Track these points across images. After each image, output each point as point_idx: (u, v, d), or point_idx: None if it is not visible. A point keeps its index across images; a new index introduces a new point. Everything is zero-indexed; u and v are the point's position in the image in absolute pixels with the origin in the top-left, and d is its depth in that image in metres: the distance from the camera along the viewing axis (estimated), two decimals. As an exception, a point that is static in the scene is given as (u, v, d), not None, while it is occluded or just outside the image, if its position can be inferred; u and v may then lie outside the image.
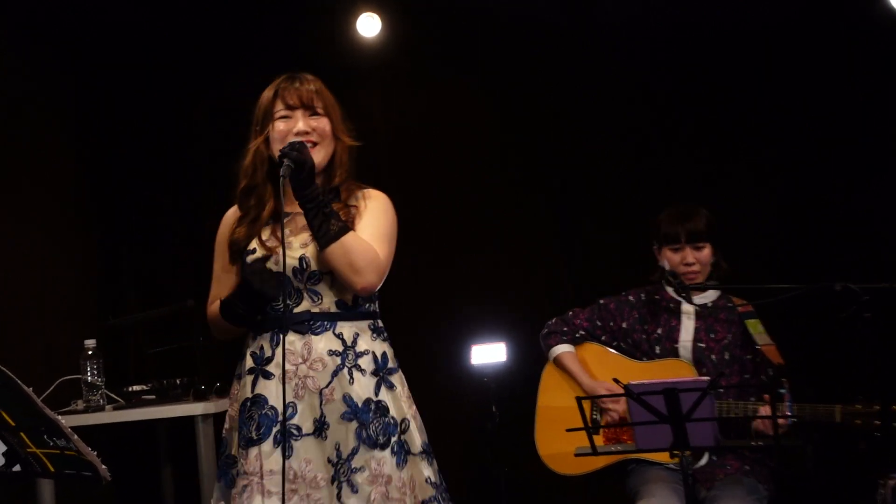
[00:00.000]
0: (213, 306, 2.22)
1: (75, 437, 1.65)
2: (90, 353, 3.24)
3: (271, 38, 4.02)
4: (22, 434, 1.62)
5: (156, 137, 4.04)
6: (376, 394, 2.15)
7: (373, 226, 2.15)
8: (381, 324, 2.24)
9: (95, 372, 3.22)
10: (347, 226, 2.10)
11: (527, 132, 3.98)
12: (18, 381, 1.64)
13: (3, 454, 1.61)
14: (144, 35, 3.93)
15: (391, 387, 2.18)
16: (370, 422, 2.12)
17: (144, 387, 3.41)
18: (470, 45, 4.00)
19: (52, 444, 1.63)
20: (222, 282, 2.24)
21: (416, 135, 4.06)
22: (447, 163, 4.05)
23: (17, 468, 1.60)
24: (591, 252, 3.93)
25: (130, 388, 3.39)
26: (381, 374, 2.17)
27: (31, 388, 1.65)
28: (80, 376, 3.21)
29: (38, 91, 3.63)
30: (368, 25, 4.08)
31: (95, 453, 1.66)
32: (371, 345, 2.18)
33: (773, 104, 3.69)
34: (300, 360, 2.13)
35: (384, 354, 2.20)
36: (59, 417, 1.65)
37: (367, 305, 2.20)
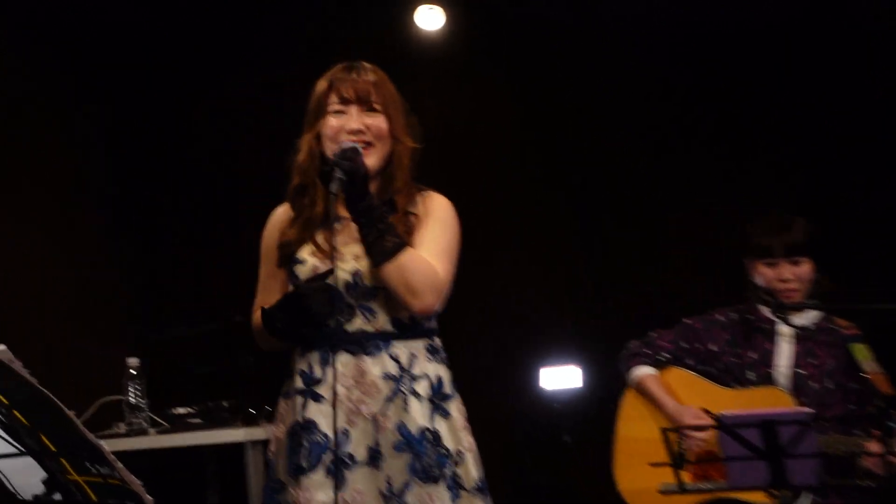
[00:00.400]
0: (257, 315, 2.23)
1: (119, 464, 1.67)
2: (133, 372, 3.26)
3: (324, 27, 4.10)
4: (63, 460, 1.63)
5: (194, 137, 4.15)
6: (430, 422, 2.15)
7: (433, 239, 2.15)
8: (438, 343, 2.24)
9: (139, 393, 3.25)
10: (404, 241, 2.10)
11: (585, 136, 4.05)
12: (59, 403, 1.67)
13: (44, 481, 1.61)
14: (175, 31, 4.07)
15: (446, 415, 2.18)
16: (424, 453, 2.13)
17: (190, 409, 3.45)
18: (525, 45, 4.10)
19: (94, 471, 1.65)
20: (269, 288, 2.25)
21: (468, 135, 4.11)
22: (508, 168, 4.12)
23: (57, 496, 1.60)
24: (676, 265, 3.95)
25: (175, 411, 3.43)
26: (436, 400, 2.18)
27: (73, 412, 1.69)
28: (121, 397, 3.25)
29: (68, 96, 3.80)
30: (429, 18, 4.21)
31: (140, 483, 1.69)
32: (427, 367, 2.18)
33: (794, 100, 3.76)
34: (352, 383, 2.14)
35: (440, 379, 2.20)
36: (102, 443, 1.69)
37: (425, 323, 2.21)
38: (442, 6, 4.17)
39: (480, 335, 3.98)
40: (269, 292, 2.23)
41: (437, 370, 2.19)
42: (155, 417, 3.38)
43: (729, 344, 3.01)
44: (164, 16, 3.95)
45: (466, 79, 4.22)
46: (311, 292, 2.08)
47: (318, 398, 2.15)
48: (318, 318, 2.08)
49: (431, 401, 2.16)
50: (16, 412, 1.62)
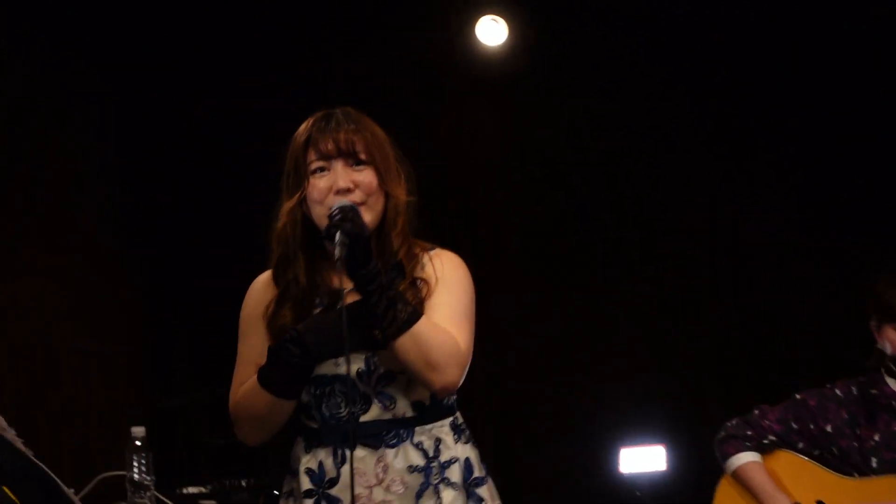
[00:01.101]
0: (245, 387, 2.19)
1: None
2: (138, 443, 3.06)
3: (381, 40, 4.27)
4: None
5: (209, 183, 4.30)
6: None
7: (448, 304, 2.17)
8: (461, 420, 2.27)
9: (143, 468, 3.19)
10: (418, 310, 2.11)
11: (677, 164, 4.24)
12: (56, 478, 1.71)
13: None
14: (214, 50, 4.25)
15: (479, 501, 2.21)
16: None
17: (202, 489, 3.48)
18: (594, 62, 4.26)
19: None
20: (253, 362, 2.20)
21: (535, 161, 4.26)
22: (576, 197, 4.27)
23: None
24: (782, 328, 3.98)
25: (185, 490, 3.46)
26: (467, 486, 2.20)
27: (71, 490, 1.74)
28: (124, 473, 3.19)
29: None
30: (491, 32, 4.32)
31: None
32: (456, 450, 2.21)
33: (799, 101, 4.08)
34: (374, 482, 2.16)
35: (468, 461, 2.22)
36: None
37: (446, 400, 2.23)
38: (506, 18, 4.30)
39: (553, 411, 4.06)
40: (254, 367, 2.19)
41: (465, 451, 2.22)
42: (162, 498, 3.31)
43: (848, 424, 3.00)
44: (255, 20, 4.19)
45: (530, 98, 4.37)
46: (324, 326, 2.09)
47: (334, 501, 2.17)
48: (321, 349, 2.09)
49: (466, 488, 2.20)
50: (6, 488, 1.63)
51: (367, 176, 2.15)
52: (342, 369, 2.09)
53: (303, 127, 2.19)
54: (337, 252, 1.96)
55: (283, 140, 2.16)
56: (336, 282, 2.08)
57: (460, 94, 4.30)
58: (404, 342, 2.08)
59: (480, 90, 4.36)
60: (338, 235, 1.98)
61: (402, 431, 2.16)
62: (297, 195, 2.16)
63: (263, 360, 2.14)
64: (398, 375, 2.14)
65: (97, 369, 3.80)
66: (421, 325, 2.08)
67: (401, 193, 2.18)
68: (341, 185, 2.12)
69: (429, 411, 2.19)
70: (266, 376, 2.12)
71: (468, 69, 4.34)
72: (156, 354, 4.14)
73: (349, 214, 2.03)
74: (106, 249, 4.00)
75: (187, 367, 4.20)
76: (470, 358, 2.15)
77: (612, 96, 4.32)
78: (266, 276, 2.24)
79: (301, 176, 2.16)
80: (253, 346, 2.20)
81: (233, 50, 4.29)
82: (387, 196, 2.17)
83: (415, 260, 2.17)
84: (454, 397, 2.24)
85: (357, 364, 2.14)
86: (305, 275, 2.16)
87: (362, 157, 2.15)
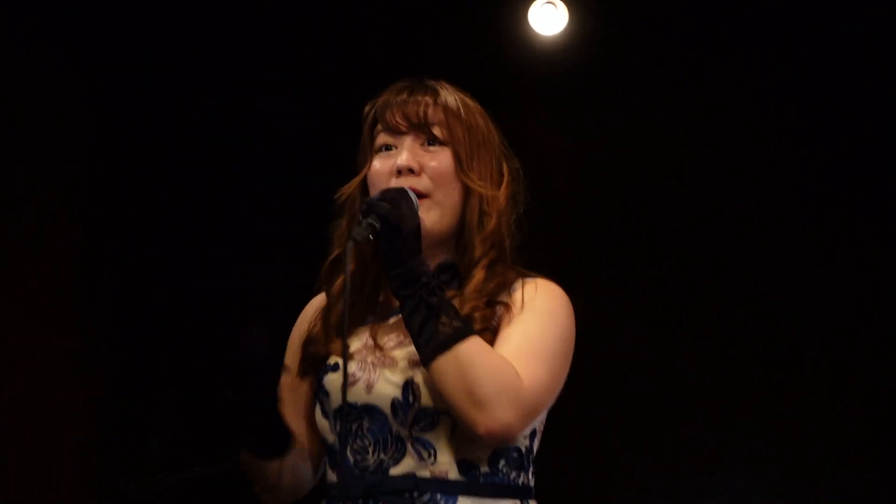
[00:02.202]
0: None
1: None
2: None
3: (404, 34, 4.13)
4: None
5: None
6: None
7: (524, 334, 1.91)
8: None
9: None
10: (469, 326, 1.85)
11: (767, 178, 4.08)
12: None
13: None
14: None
15: None
16: None
17: None
18: (689, 51, 4.09)
19: None
20: (289, 403, 2.01)
21: (603, 177, 4.11)
22: (653, 220, 4.10)
23: None
24: None
25: None
26: None
27: None
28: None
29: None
30: (548, 18, 4.07)
31: None
32: None
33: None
34: None
35: None
36: None
37: (514, 474, 1.95)
38: (565, 1, 4.08)
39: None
40: (288, 409, 2.00)
41: None
42: None
43: None
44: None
45: (595, 99, 4.15)
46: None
47: None
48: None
49: None
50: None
51: (439, 159, 1.95)
52: (376, 396, 1.89)
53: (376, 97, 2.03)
54: (353, 231, 1.78)
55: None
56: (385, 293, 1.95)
57: (510, 96, 4.04)
58: (444, 365, 1.83)
59: (535, 90, 4.10)
60: (366, 218, 1.78)
61: (440, 496, 1.90)
62: (357, 179, 1.99)
63: (298, 399, 2.01)
64: (442, 417, 1.89)
65: (53, 449, 3.66)
66: (468, 346, 1.83)
67: (492, 190, 1.96)
68: (401, 164, 1.92)
69: (484, 481, 1.91)
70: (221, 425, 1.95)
71: (520, 65, 4.09)
72: (117, 420, 3.94)
73: (389, 195, 1.84)
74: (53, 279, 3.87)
75: (160, 437, 3.97)
76: (538, 403, 1.88)
77: (697, 95, 4.11)
78: (320, 297, 2.06)
79: (365, 155, 2.00)
80: (289, 383, 2.00)
81: (245, 48, 4.17)
82: (467, 191, 1.95)
83: (501, 279, 1.94)
84: (528, 473, 1.96)
85: (392, 390, 1.90)
86: (364, 281, 1.98)
87: (437, 133, 1.95)
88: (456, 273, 1.93)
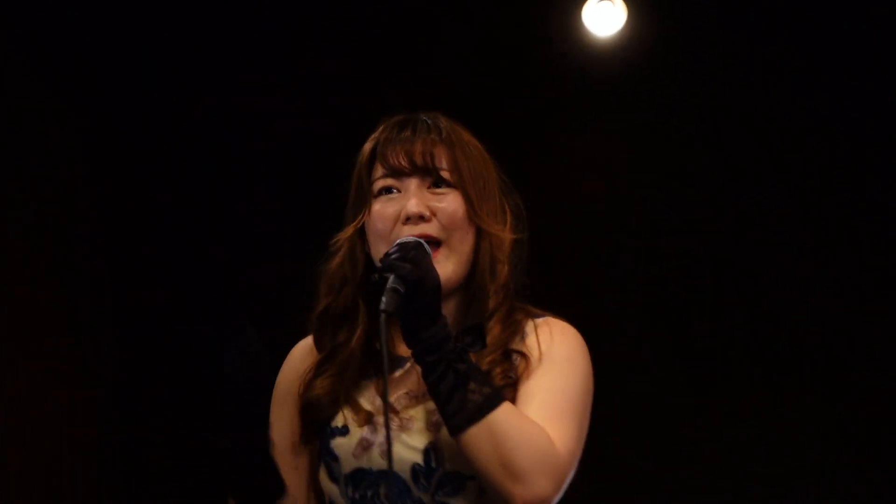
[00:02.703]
0: None
1: None
2: None
3: (444, 35, 4.08)
4: None
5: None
6: None
7: (549, 389, 1.89)
8: None
9: None
10: (498, 393, 1.82)
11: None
12: None
13: None
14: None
15: None
16: None
17: None
18: (758, 52, 3.99)
19: None
20: (286, 469, 1.96)
21: (665, 193, 4.04)
22: (721, 243, 4.03)
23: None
24: None
25: None
26: None
27: None
28: None
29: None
30: (604, 16, 3.98)
31: None
32: None
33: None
34: None
35: None
36: None
37: None
38: None
39: None
40: (285, 474, 1.96)
41: None
42: None
43: None
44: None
45: (653, 104, 4.06)
46: None
47: None
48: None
49: None
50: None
51: (450, 202, 1.92)
52: (394, 461, 1.85)
53: (373, 134, 2.00)
54: (383, 304, 1.72)
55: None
56: (403, 349, 1.89)
57: (562, 102, 4.05)
58: (476, 436, 1.81)
59: (589, 95, 4.02)
60: (388, 280, 1.74)
61: None
62: (355, 224, 1.95)
63: (293, 452, 1.98)
64: (468, 482, 1.88)
65: (37, 440, 3.65)
66: (501, 415, 1.81)
67: (501, 230, 1.95)
68: (412, 211, 1.89)
69: None
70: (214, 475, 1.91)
71: (573, 68, 4.01)
72: (117, 420, 3.99)
73: (410, 253, 1.79)
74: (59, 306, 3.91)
75: (162, 477, 3.99)
76: (571, 467, 1.88)
77: (765, 101, 4.02)
78: (308, 341, 2.03)
79: (363, 199, 1.95)
80: (281, 435, 1.97)
81: (247, 47, 4.15)
82: (479, 235, 1.94)
83: (512, 328, 1.92)
84: None
85: (411, 455, 1.88)
86: (360, 336, 1.94)
87: (446, 175, 1.92)
88: (480, 335, 1.87)
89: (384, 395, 1.81)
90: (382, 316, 1.71)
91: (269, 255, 4.02)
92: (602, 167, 4.09)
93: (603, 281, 4.12)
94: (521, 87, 4.18)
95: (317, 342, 1.97)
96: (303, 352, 2.02)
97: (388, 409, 1.83)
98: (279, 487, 1.90)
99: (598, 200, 4.13)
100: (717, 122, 4.04)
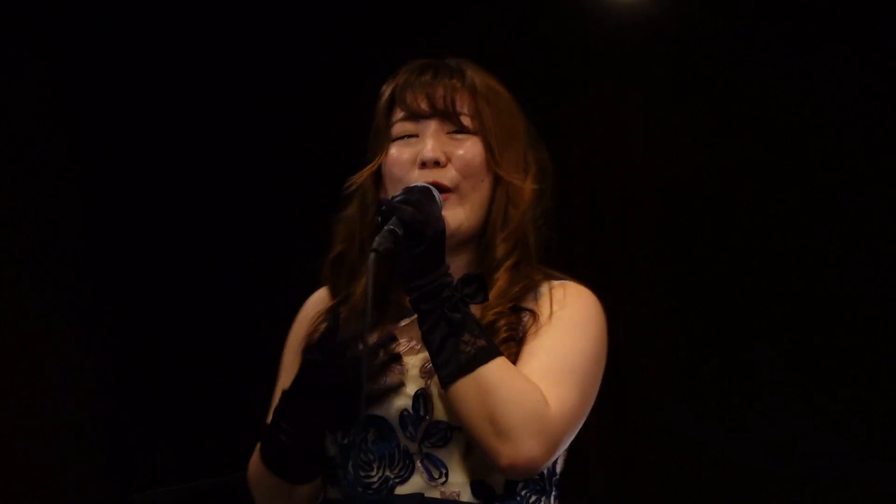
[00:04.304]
0: (254, 456, 2.02)
1: None
2: None
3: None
4: None
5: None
6: None
7: (552, 349, 1.89)
8: None
9: None
10: (493, 347, 1.83)
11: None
12: None
13: None
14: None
15: None
16: None
17: None
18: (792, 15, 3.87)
19: None
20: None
21: (691, 164, 3.93)
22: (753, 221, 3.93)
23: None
24: None
25: None
26: None
27: None
28: None
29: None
30: None
31: None
32: None
33: None
34: None
35: None
36: None
37: (534, 499, 1.91)
38: None
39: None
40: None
41: None
42: None
43: None
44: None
45: (683, 72, 3.94)
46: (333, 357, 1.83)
47: None
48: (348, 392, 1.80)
49: None
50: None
51: (468, 149, 1.93)
52: (384, 406, 1.87)
53: (392, 77, 2.01)
54: (375, 242, 1.74)
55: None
56: (400, 297, 1.93)
57: (583, 69, 4.01)
58: (464, 389, 1.82)
59: (611, 61, 3.91)
60: (387, 224, 1.75)
61: None
62: (370, 167, 1.97)
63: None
64: (455, 433, 1.88)
65: (48, 456, 3.69)
66: (493, 369, 1.82)
67: (522, 181, 1.94)
68: (427, 156, 1.91)
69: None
70: (265, 452, 1.92)
71: (591, 32, 3.92)
72: (122, 429, 3.95)
73: (414, 196, 1.81)
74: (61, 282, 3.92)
75: (168, 452, 3.97)
76: (566, 430, 1.86)
77: (796, 72, 3.89)
78: (322, 291, 2.06)
79: (380, 142, 1.97)
80: (290, 380, 1.98)
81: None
82: (496, 184, 1.94)
83: (526, 283, 1.92)
84: (554, 499, 1.93)
85: (402, 401, 1.89)
86: (372, 283, 1.87)
87: (466, 122, 1.93)
88: (482, 286, 1.85)
89: (364, 336, 1.78)
90: (371, 255, 1.71)
91: (266, 248, 4.01)
92: (618, 133, 4.01)
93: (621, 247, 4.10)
94: (536, 52, 4.11)
95: (331, 289, 1.99)
96: (317, 301, 2.03)
97: (375, 352, 1.84)
98: (321, 467, 1.92)
99: (610, 174, 4.11)
100: (742, 92, 3.96)
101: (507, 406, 1.80)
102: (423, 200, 1.81)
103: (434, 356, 1.82)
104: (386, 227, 1.75)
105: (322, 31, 4.12)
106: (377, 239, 1.75)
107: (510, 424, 1.80)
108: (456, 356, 1.81)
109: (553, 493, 1.94)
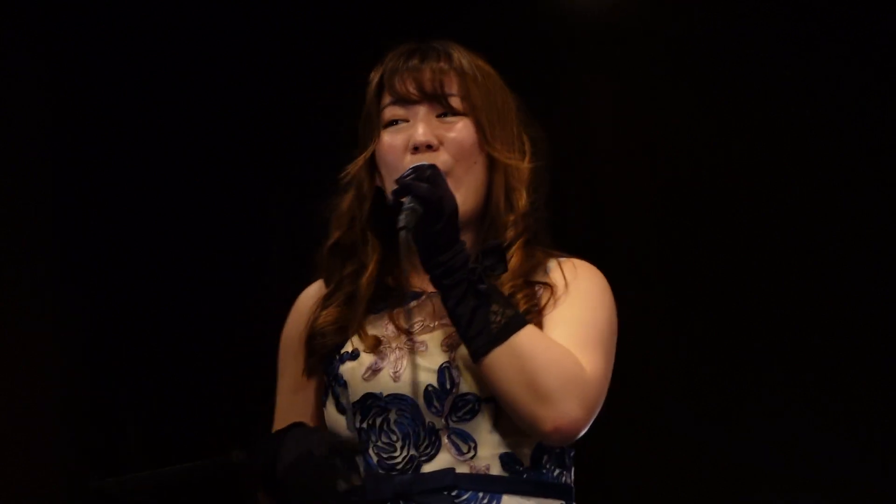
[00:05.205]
0: None
1: None
2: None
3: None
4: None
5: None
6: None
7: (577, 319, 1.90)
8: None
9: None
10: (522, 315, 1.82)
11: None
12: None
13: None
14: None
15: None
16: None
17: None
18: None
19: None
20: (294, 408, 2.01)
21: (668, 153, 3.90)
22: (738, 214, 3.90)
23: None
24: None
25: None
26: None
27: None
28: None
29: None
30: None
31: None
32: None
33: None
34: None
35: None
36: None
37: (557, 472, 1.92)
38: None
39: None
40: (292, 415, 1.99)
41: None
42: None
43: None
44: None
45: (679, 75, 3.89)
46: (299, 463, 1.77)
47: None
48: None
49: None
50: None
51: (459, 130, 1.92)
52: (405, 384, 1.86)
53: (380, 63, 1.99)
54: (402, 221, 1.71)
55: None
56: (417, 283, 1.90)
57: (583, 69, 3.97)
58: (500, 359, 1.80)
59: (611, 61, 3.87)
60: (405, 201, 1.73)
61: (482, 496, 1.85)
62: (364, 155, 1.96)
63: (305, 402, 2.00)
64: (484, 405, 1.86)
65: (17, 441, 3.62)
66: (526, 336, 1.81)
67: (516, 160, 1.93)
68: (419, 140, 1.90)
69: (529, 478, 1.87)
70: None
71: (593, 31, 3.87)
72: (100, 419, 3.89)
73: (427, 172, 1.80)
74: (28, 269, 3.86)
75: (144, 437, 3.91)
76: (601, 393, 1.88)
77: (803, 65, 3.87)
78: (313, 287, 2.04)
79: (372, 129, 1.96)
80: (293, 377, 2.00)
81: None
82: (491, 165, 1.93)
83: (533, 261, 1.93)
84: (569, 472, 1.93)
85: (425, 377, 1.87)
86: (371, 272, 1.93)
87: (456, 103, 1.92)
88: (502, 257, 1.84)
89: (407, 315, 1.83)
90: (402, 233, 1.69)
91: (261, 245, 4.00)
92: (593, 112, 4.01)
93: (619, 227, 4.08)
94: (514, 30, 4.03)
95: (325, 277, 1.97)
96: (312, 296, 2.00)
97: (409, 324, 1.85)
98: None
99: (586, 162, 4.08)
100: (722, 72, 3.91)
101: (547, 371, 1.79)
102: (435, 176, 1.80)
103: (464, 329, 1.80)
104: (407, 205, 1.73)
105: (322, 31, 4.09)
106: (402, 218, 1.72)
107: (551, 388, 1.79)
108: (487, 327, 1.79)
109: (571, 469, 1.95)
